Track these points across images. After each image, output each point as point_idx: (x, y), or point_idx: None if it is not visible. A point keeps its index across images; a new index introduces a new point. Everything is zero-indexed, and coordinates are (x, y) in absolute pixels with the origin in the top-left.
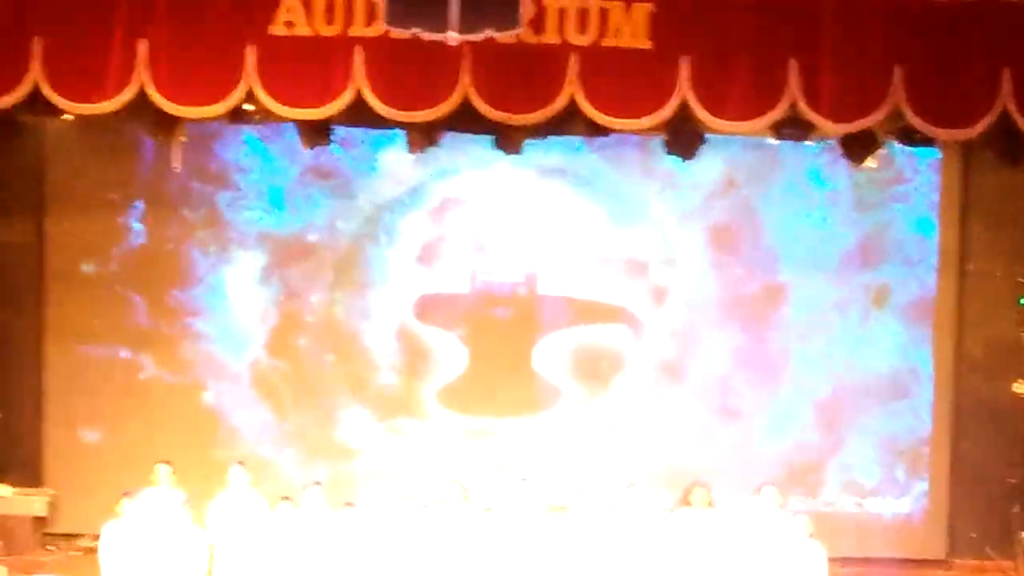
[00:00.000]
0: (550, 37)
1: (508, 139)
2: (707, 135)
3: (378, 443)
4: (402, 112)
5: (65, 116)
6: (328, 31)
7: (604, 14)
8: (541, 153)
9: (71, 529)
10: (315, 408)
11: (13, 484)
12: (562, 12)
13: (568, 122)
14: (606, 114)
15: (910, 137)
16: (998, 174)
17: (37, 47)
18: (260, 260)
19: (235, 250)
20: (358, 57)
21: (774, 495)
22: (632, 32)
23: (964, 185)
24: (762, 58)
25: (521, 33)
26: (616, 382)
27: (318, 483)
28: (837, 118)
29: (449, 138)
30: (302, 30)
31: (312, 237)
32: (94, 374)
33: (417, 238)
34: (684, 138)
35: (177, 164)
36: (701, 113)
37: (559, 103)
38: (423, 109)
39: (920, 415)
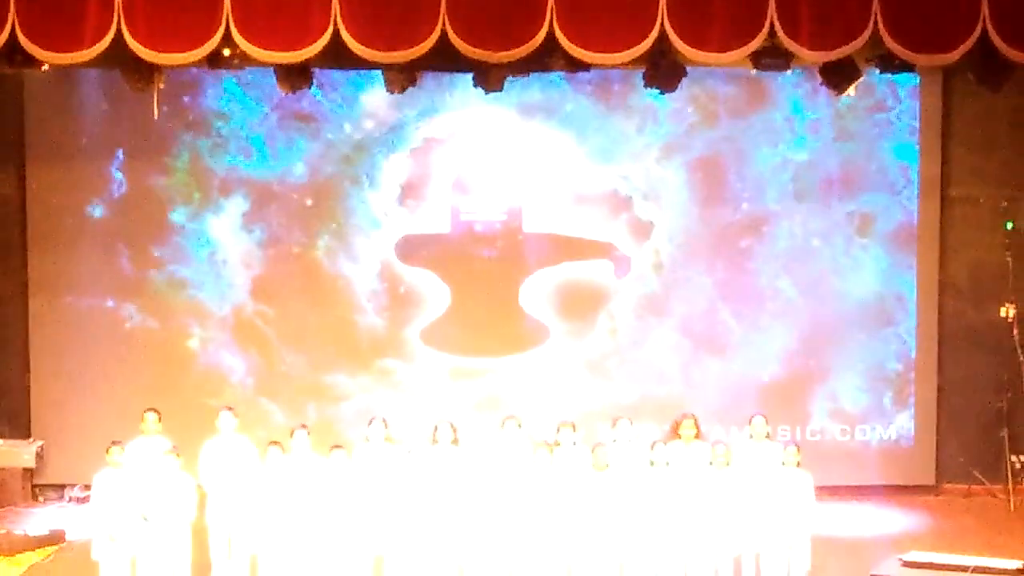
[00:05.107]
0: None
1: (488, 77)
2: (687, 67)
3: (364, 385)
4: (380, 53)
5: (43, 67)
6: None
7: None
8: (522, 90)
9: (60, 479)
10: (300, 352)
11: (1, 436)
12: None
13: (548, 58)
14: (586, 49)
15: (890, 64)
16: (979, 99)
17: None
18: (242, 206)
19: (217, 197)
20: None
21: (762, 425)
22: None
23: (945, 111)
24: None
25: None
26: (602, 318)
27: (304, 426)
28: (816, 46)
29: (429, 77)
30: None
31: (293, 181)
32: (80, 325)
33: (399, 178)
34: (664, 71)
35: (156, 112)
36: (680, 45)
37: (538, 39)
38: (401, 49)
39: (905, 342)
